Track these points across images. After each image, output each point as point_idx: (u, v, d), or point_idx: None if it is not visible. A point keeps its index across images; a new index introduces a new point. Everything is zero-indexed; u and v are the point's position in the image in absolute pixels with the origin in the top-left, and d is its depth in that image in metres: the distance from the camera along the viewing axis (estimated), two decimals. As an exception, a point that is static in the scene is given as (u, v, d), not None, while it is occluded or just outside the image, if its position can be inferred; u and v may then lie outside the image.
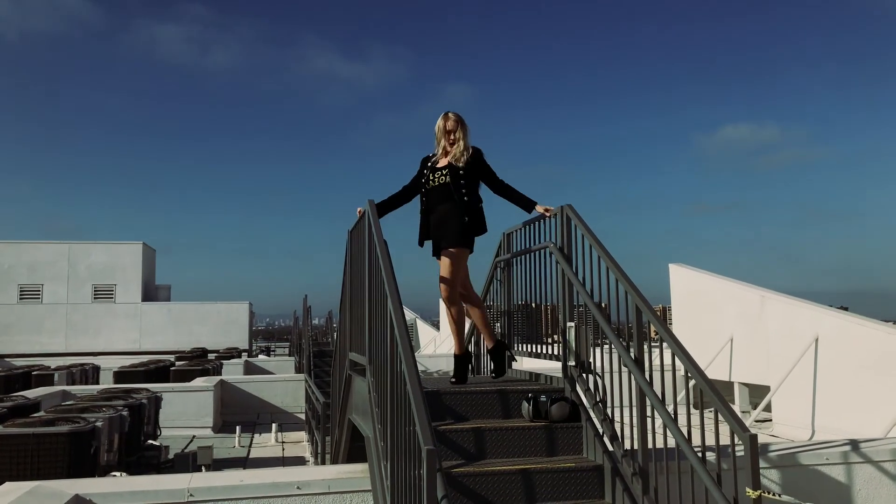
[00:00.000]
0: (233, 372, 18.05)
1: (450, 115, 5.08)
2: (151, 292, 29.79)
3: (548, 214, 4.97)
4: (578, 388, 4.45)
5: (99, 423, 6.34)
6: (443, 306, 5.37)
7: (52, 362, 17.84)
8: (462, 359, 5.10)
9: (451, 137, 5.05)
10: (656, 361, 3.88)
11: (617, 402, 4.05)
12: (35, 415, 7.22)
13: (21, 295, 27.45)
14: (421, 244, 5.12)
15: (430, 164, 5.11)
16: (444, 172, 5.00)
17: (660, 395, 3.58)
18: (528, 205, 5.14)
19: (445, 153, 5.07)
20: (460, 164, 4.99)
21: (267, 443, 11.56)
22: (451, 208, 4.96)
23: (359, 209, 5.02)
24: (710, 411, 3.28)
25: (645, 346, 3.82)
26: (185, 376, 14.35)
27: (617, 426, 4.04)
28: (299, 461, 10.11)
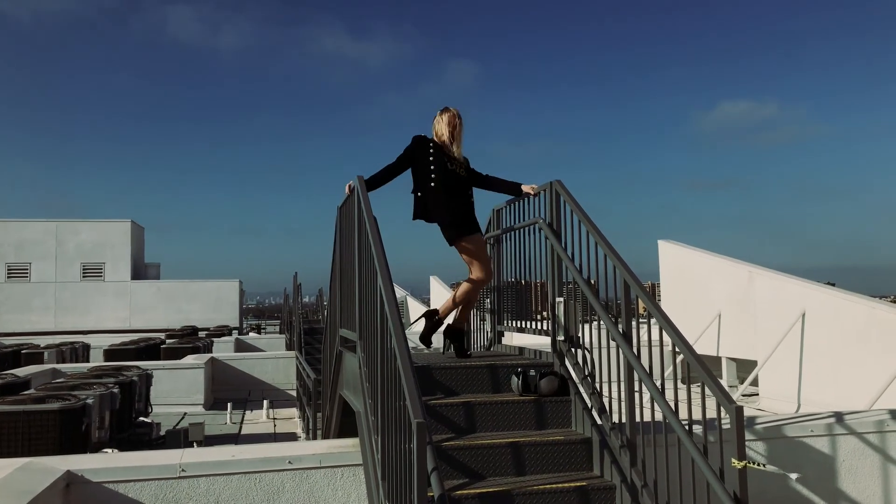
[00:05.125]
0: (223, 349, 18.05)
1: (454, 110, 5.09)
2: (140, 270, 29.67)
3: (532, 193, 4.98)
4: (567, 363, 4.49)
5: (90, 401, 6.33)
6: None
7: (42, 341, 17.77)
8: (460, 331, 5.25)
9: (456, 133, 5.07)
10: (644, 336, 3.91)
11: (605, 377, 4.09)
12: (25, 392, 7.21)
13: (9, 274, 27.28)
14: (429, 220, 5.03)
15: (433, 145, 5.04)
16: (460, 170, 5.06)
17: (648, 370, 3.62)
18: (514, 189, 5.16)
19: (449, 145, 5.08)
20: (462, 161, 5.11)
21: (258, 419, 11.59)
22: (466, 201, 5.10)
23: (348, 184, 4.99)
24: (698, 385, 3.32)
25: (633, 321, 3.85)
26: (176, 354, 14.32)
27: (605, 400, 4.08)
28: (291, 437, 10.14)
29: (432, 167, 4.97)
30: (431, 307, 5.33)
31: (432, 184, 4.97)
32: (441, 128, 5.07)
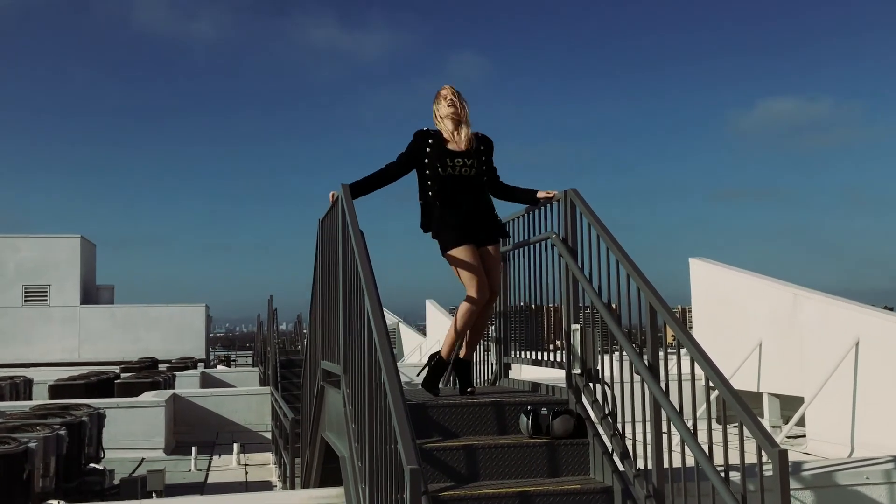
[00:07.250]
0: (187, 385, 18.04)
1: (451, 87, 5.01)
2: (92, 294, 29.65)
3: (550, 196, 4.99)
4: (584, 400, 4.48)
5: (32, 445, 6.33)
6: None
7: (-23, 375, 17.73)
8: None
9: (459, 115, 4.99)
10: (673, 369, 3.91)
11: (629, 416, 4.08)
12: (-43, 435, 7.19)
13: (-60, 297, 27.25)
14: (435, 235, 4.97)
15: (432, 140, 4.97)
16: (468, 163, 4.96)
17: (677, 408, 3.61)
18: (530, 196, 5.15)
19: (454, 135, 5.00)
20: (472, 150, 5.00)
21: (228, 465, 11.59)
22: (483, 202, 5.04)
23: (332, 193, 4.98)
24: (735, 426, 3.32)
25: (661, 352, 3.85)
26: (133, 390, 14.34)
27: (629, 443, 4.07)
28: (265, 486, 10.14)
29: (427, 171, 4.95)
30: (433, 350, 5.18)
31: (429, 192, 4.97)
32: (443, 110, 4.99)
